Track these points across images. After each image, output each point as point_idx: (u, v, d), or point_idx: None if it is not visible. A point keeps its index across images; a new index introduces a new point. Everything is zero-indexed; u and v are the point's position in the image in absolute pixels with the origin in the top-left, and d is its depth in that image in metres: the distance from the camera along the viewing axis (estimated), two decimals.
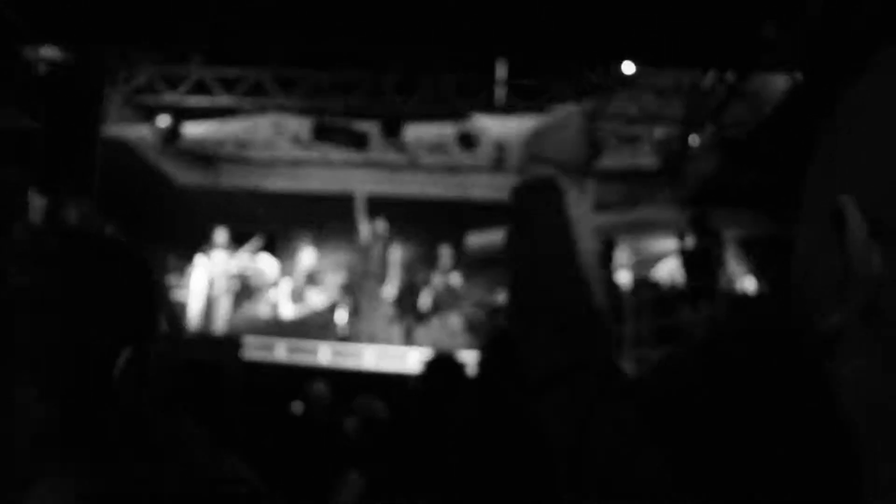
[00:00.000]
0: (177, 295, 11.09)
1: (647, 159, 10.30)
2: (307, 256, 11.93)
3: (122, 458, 0.89)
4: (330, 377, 7.03)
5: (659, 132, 9.59)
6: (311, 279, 11.90)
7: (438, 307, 11.22)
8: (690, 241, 9.27)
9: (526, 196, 1.09)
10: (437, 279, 11.42)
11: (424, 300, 11.28)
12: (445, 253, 11.56)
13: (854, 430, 0.47)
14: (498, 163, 10.78)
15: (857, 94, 0.50)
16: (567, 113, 1.17)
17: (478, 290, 12.16)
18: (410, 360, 9.63)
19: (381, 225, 11.12)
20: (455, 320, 11.05)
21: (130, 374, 0.90)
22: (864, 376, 0.46)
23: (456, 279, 11.29)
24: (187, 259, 12.11)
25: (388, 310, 10.96)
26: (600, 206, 11.87)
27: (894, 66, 0.48)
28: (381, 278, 10.91)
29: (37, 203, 10.82)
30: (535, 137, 1.15)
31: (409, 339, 10.60)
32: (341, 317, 10.94)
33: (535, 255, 1.01)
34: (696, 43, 7.47)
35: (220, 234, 11.16)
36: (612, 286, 9.50)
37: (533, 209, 1.05)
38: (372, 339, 10.09)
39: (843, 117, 0.51)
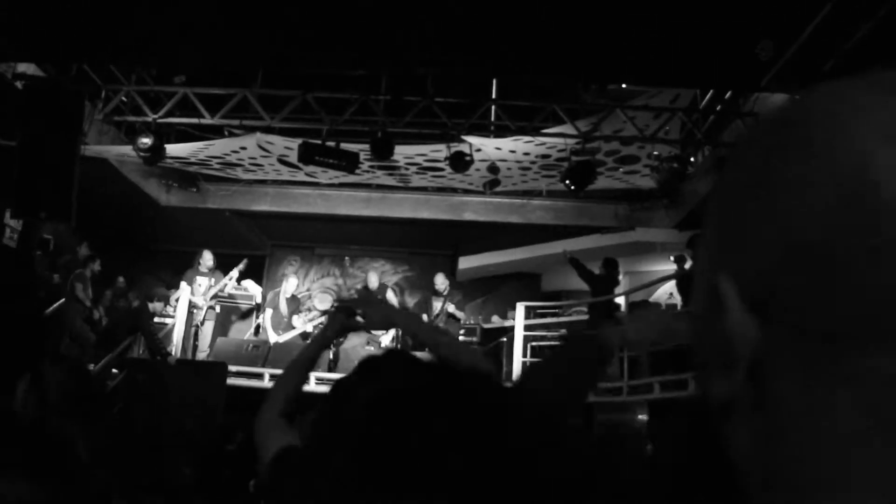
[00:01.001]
0: (160, 320, 11.02)
1: (644, 180, 10.33)
2: (293, 281, 11.89)
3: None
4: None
5: (656, 152, 9.62)
6: (298, 304, 11.86)
7: None
8: (689, 264, 9.28)
9: None
10: (435, 305, 11.39)
11: None
12: (440, 278, 11.55)
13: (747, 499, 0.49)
14: (491, 184, 10.79)
15: (734, 157, 0.53)
16: None
17: (471, 314, 12.17)
18: None
19: (374, 277, 11.13)
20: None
21: (30, 397, 0.93)
22: (751, 446, 0.48)
23: (452, 306, 11.27)
24: (171, 283, 12.07)
25: (381, 338, 10.92)
26: (596, 229, 11.95)
27: (771, 128, 0.51)
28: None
29: (12, 225, 10.80)
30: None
31: None
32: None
33: None
34: (694, 62, 7.51)
35: (206, 258, 11.12)
36: (612, 309, 9.51)
37: None
38: None
39: (722, 181, 0.53)
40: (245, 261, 11.26)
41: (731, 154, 0.53)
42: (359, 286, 11.02)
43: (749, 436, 0.48)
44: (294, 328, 11.22)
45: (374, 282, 11.17)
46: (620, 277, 10.29)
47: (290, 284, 11.74)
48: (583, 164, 9.36)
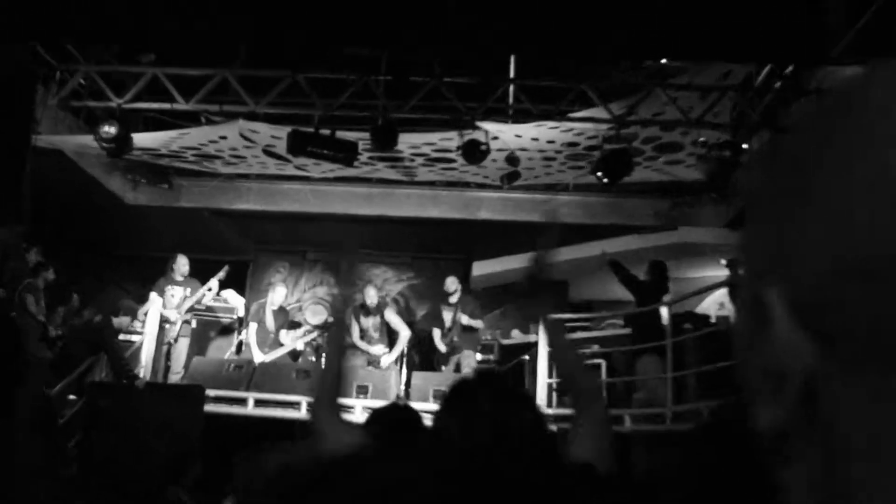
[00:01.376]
0: (126, 337, 10.93)
1: (688, 171, 10.18)
2: (280, 291, 11.78)
3: None
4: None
5: (703, 139, 9.48)
6: (286, 317, 11.74)
7: (452, 350, 11.13)
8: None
9: None
10: (446, 316, 11.29)
11: (438, 345, 11.28)
12: (451, 283, 11.43)
13: None
14: (509, 177, 10.67)
15: (780, 151, 0.53)
16: None
17: (487, 328, 12.05)
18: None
19: (373, 293, 11.04)
20: (471, 360, 10.92)
21: None
22: (805, 482, 0.49)
23: (465, 317, 11.14)
24: (140, 293, 11.98)
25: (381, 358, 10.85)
26: (633, 228, 11.82)
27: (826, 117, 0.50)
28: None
29: None
30: None
31: (408, 389, 10.45)
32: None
33: None
34: (747, 32, 7.38)
35: (180, 264, 10.97)
36: (656, 319, 9.31)
37: None
38: (363, 391, 9.90)
39: (766, 178, 0.54)
40: (226, 268, 11.17)
41: (775, 146, 0.55)
42: (356, 303, 10.91)
43: (806, 470, 0.49)
44: (282, 345, 11.11)
45: (372, 298, 11.03)
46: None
47: (278, 295, 11.64)
48: (617, 153, 9.27)
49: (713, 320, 10.51)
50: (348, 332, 10.38)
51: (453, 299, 11.35)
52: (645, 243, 11.74)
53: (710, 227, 11.37)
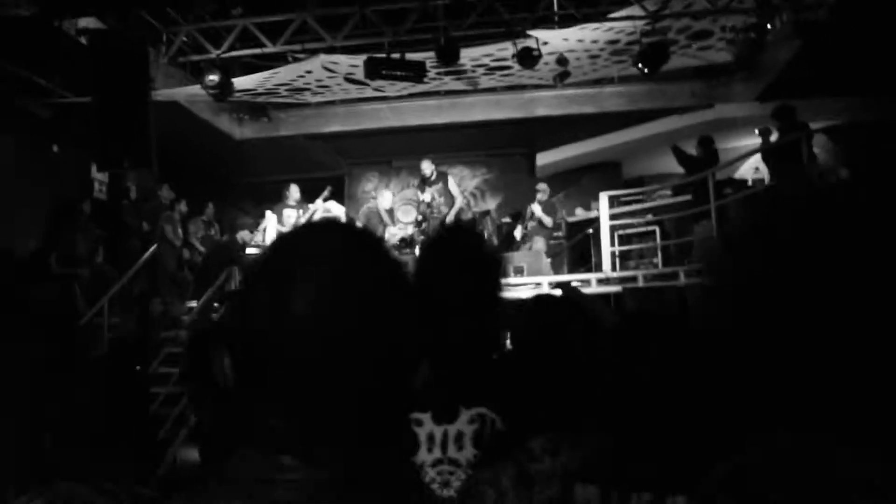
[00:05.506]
0: (249, 250, 11.30)
1: (719, 55, 10.03)
2: (387, 196, 12.17)
3: None
4: None
5: (731, 24, 9.29)
6: (392, 217, 12.10)
7: (527, 235, 11.39)
8: (774, 136, 9.05)
9: None
10: (527, 210, 11.53)
11: (516, 234, 11.70)
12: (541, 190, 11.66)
13: None
14: (561, 77, 10.64)
15: None
16: None
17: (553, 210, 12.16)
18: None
19: (428, 165, 11.12)
20: (540, 244, 11.14)
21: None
22: None
23: (538, 209, 11.32)
24: (256, 212, 12.36)
25: None
26: (673, 110, 11.73)
27: None
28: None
29: (99, 179, 11.21)
30: None
31: None
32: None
33: None
34: None
35: (293, 191, 11.33)
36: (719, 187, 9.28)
37: None
38: None
39: None
40: (329, 188, 11.46)
41: None
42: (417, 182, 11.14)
43: None
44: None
45: (427, 169, 11.13)
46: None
47: (385, 199, 12.01)
48: (654, 45, 9.19)
49: (750, 183, 10.52)
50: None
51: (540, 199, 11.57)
52: (686, 122, 11.69)
53: (742, 103, 11.22)
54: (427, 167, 11.10)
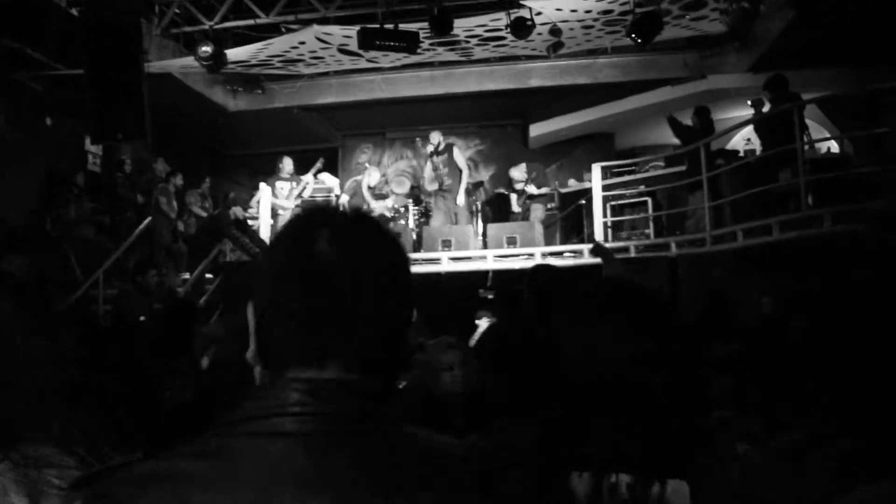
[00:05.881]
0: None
1: (713, 25, 9.95)
2: (375, 174, 12.09)
3: None
4: None
5: None
6: (375, 190, 12.03)
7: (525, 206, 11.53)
8: (766, 107, 9.01)
9: None
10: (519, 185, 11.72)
11: (514, 207, 11.89)
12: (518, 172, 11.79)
13: None
14: (554, 47, 10.57)
15: None
16: None
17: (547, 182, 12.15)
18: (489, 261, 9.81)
19: (436, 136, 11.11)
20: (539, 212, 11.36)
21: None
22: None
23: (532, 187, 11.42)
24: (250, 184, 12.33)
25: (460, 213, 11.09)
26: (666, 81, 11.66)
27: None
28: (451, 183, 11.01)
29: (93, 151, 11.15)
30: None
31: (485, 239, 10.86)
32: (410, 223, 11.27)
33: None
34: None
35: (286, 164, 11.35)
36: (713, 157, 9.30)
37: None
38: (446, 244, 10.24)
39: None
40: (321, 159, 11.48)
41: None
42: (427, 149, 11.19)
43: None
44: (373, 212, 11.41)
45: (435, 140, 11.17)
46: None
47: (373, 177, 11.93)
48: (647, 15, 9.11)
49: (741, 154, 10.49)
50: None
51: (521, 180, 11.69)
52: (678, 93, 11.63)
53: (734, 73, 11.16)
54: (435, 137, 11.13)
